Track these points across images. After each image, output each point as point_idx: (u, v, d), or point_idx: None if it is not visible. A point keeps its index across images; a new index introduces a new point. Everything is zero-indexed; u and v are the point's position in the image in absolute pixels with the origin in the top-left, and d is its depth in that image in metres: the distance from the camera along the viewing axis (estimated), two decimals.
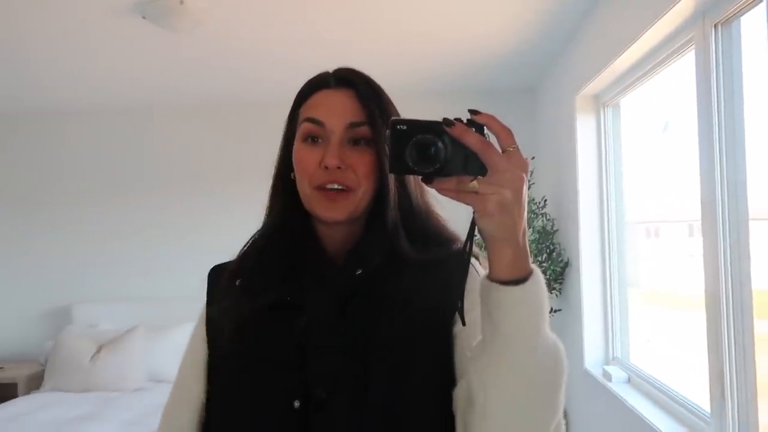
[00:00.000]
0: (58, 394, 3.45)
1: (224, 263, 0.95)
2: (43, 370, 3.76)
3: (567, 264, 3.21)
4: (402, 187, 0.86)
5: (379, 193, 0.85)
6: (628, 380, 2.58)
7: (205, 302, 0.95)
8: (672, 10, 1.85)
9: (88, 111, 4.28)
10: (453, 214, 0.91)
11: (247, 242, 0.93)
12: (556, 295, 3.30)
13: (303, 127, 0.85)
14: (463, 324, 0.73)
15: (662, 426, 2.02)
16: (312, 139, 0.84)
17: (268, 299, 0.84)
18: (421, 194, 0.89)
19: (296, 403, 0.78)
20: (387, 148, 0.66)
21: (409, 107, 0.90)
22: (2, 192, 4.35)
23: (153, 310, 4.04)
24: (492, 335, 0.68)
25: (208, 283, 0.96)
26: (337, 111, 0.83)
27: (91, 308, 4.12)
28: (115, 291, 4.24)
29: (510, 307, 0.66)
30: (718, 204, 1.76)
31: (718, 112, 1.78)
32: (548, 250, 3.27)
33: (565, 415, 0.75)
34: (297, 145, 0.85)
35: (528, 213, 0.75)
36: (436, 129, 0.64)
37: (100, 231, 4.29)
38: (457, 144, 0.64)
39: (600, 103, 2.91)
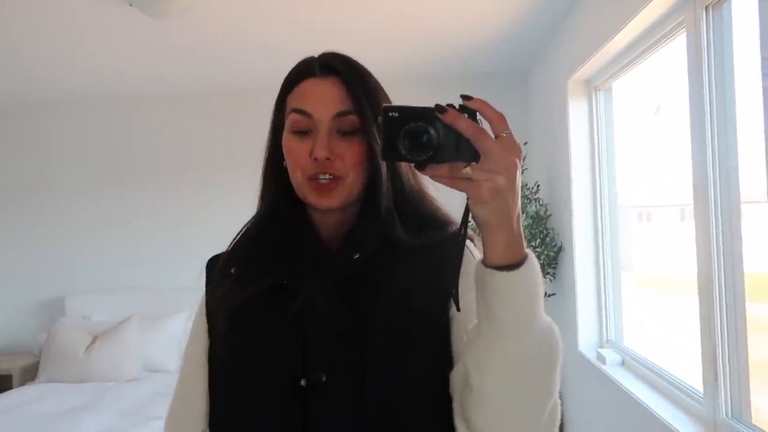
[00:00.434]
0: (53, 386, 3.45)
1: (220, 253, 0.95)
2: (38, 362, 3.76)
3: (560, 248, 3.22)
4: (394, 171, 0.86)
5: (372, 180, 0.85)
6: (622, 363, 2.60)
7: (204, 292, 0.95)
8: None
9: (77, 101, 4.24)
10: (447, 200, 0.91)
11: (241, 230, 0.93)
12: (550, 280, 3.32)
13: (291, 118, 0.84)
14: (458, 310, 0.74)
15: (656, 407, 2.04)
16: (301, 130, 0.83)
17: (264, 285, 0.85)
18: (414, 178, 0.89)
19: (303, 382, 0.79)
20: (379, 135, 0.67)
21: (399, 92, 0.90)
22: None
23: (146, 301, 4.03)
24: (487, 320, 0.68)
25: (207, 274, 0.96)
26: (323, 101, 0.83)
27: (84, 299, 4.11)
28: (107, 282, 4.23)
29: (505, 292, 0.66)
30: (710, 187, 1.76)
31: (709, 94, 1.77)
32: (542, 235, 3.28)
33: (560, 398, 0.76)
34: (286, 136, 0.85)
35: (521, 198, 0.75)
36: (428, 115, 0.64)
37: (92, 222, 4.27)
38: (450, 130, 0.63)
39: (592, 87, 2.90)
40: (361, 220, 0.87)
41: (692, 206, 1.86)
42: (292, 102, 0.85)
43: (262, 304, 0.85)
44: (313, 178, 0.82)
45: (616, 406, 2.44)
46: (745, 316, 1.67)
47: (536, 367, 0.69)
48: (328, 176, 0.82)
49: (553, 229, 3.33)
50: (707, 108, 1.78)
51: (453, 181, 0.64)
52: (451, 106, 0.64)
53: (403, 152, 0.64)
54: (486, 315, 0.68)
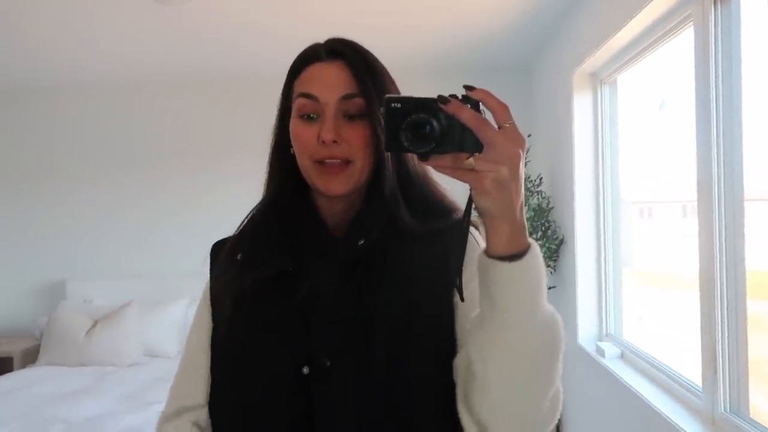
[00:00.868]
0: (53, 369, 3.46)
1: (225, 238, 0.96)
2: (39, 345, 3.77)
3: (562, 241, 3.22)
4: (399, 156, 0.86)
5: (377, 165, 0.85)
6: (621, 356, 2.61)
7: (208, 278, 0.96)
8: None
9: (80, 86, 4.22)
10: (449, 189, 0.91)
11: (247, 216, 0.94)
12: (551, 272, 3.32)
13: (298, 103, 0.84)
14: (462, 300, 0.74)
15: (654, 400, 2.04)
16: (308, 115, 0.83)
17: (270, 271, 0.85)
18: (419, 164, 0.89)
19: (305, 369, 0.80)
20: (382, 124, 0.66)
21: (403, 83, 0.89)
22: None
23: (147, 286, 4.04)
24: (490, 310, 0.68)
25: (210, 259, 0.97)
26: (329, 84, 0.83)
27: (85, 284, 4.12)
28: (109, 267, 4.23)
29: (508, 283, 0.66)
30: (714, 184, 1.75)
31: (716, 90, 1.76)
32: (543, 228, 3.28)
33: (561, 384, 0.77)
34: (294, 122, 0.85)
35: (524, 190, 0.75)
36: (431, 106, 0.64)
37: (94, 207, 4.26)
38: (453, 121, 0.63)
39: (597, 80, 2.89)
40: (366, 205, 0.87)
41: (694, 203, 1.86)
42: (298, 87, 0.85)
43: (267, 290, 0.85)
44: (320, 162, 0.82)
45: (614, 399, 2.45)
46: (745, 313, 1.67)
47: (539, 357, 0.69)
48: (336, 160, 0.82)
49: (555, 221, 3.32)
50: (713, 104, 1.76)
51: (456, 172, 0.64)
52: (453, 96, 0.64)
53: (405, 144, 0.64)
54: (489, 305, 0.68)
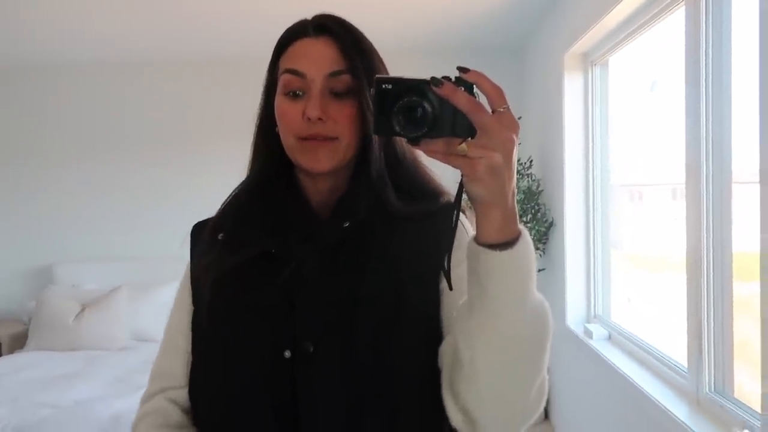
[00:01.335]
0: (42, 354, 3.44)
1: (206, 219, 0.94)
2: (27, 330, 3.75)
3: (551, 224, 3.23)
4: (388, 138, 0.84)
5: (364, 144, 0.83)
6: (609, 337, 2.63)
7: (189, 259, 0.94)
8: None
9: (69, 67, 4.15)
10: (438, 172, 0.89)
11: (229, 196, 0.91)
12: (540, 255, 3.33)
13: (283, 79, 0.82)
14: (450, 289, 0.73)
15: (641, 381, 2.07)
16: (294, 92, 0.81)
17: (252, 251, 0.83)
18: (408, 145, 0.88)
19: (287, 353, 0.78)
20: (371, 106, 0.64)
21: (392, 64, 0.87)
22: None
23: (136, 270, 4.02)
24: (479, 298, 0.67)
25: (191, 240, 0.95)
26: (316, 60, 0.81)
27: (73, 268, 4.09)
28: (97, 250, 4.20)
29: (498, 271, 0.65)
30: (702, 166, 1.76)
31: (705, 72, 1.76)
32: (533, 211, 3.29)
33: (548, 371, 0.77)
34: (279, 99, 0.83)
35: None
36: (423, 89, 0.62)
37: (83, 189, 4.22)
38: (446, 104, 0.61)
39: (588, 61, 2.87)
40: (352, 186, 0.85)
41: (683, 185, 1.86)
42: (284, 63, 0.83)
43: (249, 271, 0.83)
44: (305, 140, 0.81)
45: (602, 380, 2.47)
46: (732, 295, 1.69)
47: (527, 346, 0.69)
48: (321, 138, 0.80)
49: (544, 204, 3.33)
50: (703, 85, 1.76)
51: (448, 158, 0.62)
52: (446, 78, 0.62)
53: (396, 128, 0.62)
54: (478, 293, 0.67)
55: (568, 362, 2.97)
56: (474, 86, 0.62)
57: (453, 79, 0.62)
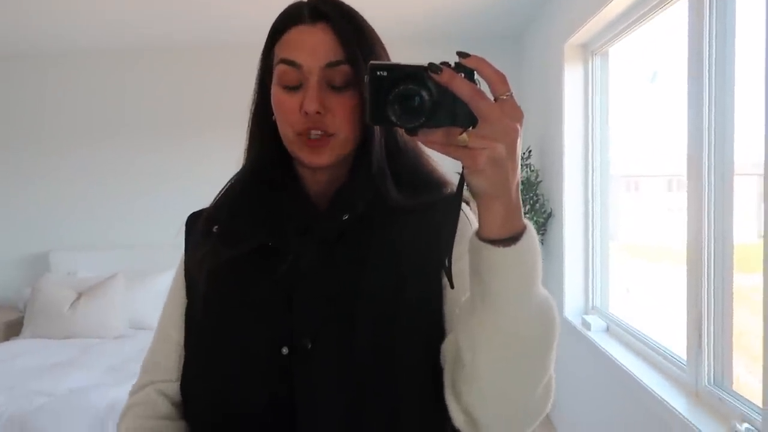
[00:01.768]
0: (38, 341, 3.43)
1: (201, 210, 0.91)
2: (22, 317, 3.73)
3: (550, 215, 3.21)
4: (387, 128, 0.81)
5: (364, 135, 0.80)
6: (607, 329, 2.63)
7: (184, 251, 0.91)
8: None
9: (66, 53, 4.10)
10: (440, 161, 0.87)
11: (225, 186, 0.88)
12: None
13: (279, 69, 0.78)
14: (452, 287, 0.70)
15: (639, 373, 2.06)
16: (290, 85, 0.77)
17: (248, 246, 0.80)
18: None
19: (284, 350, 0.76)
20: (366, 94, 0.60)
21: (389, 53, 0.84)
22: None
23: (132, 258, 4.00)
24: (481, 296, 0.64)
25: (186, 231, 0.92)
26: (313, 50, 0.76)
27: (69, 255, 4.07)
28: (93, 238, 4.17)
29: (501, 268, 0.61)
30: (704, 158, 1.74)
31: (708, 61, 1.74)
32: (531, 201, 3.27)
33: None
34: (275, 90, 0.79)
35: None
36: (421, 76, 0.58)
37: (79, 177, 4.18)
38: (445, 92, 0.57)
39: (588, 51, 2.85)
40: (351, 178, 0.82)
41: (680, 177, 1.84)
42: (279, 51, 0.79)
43: (245, 265, 0.81)
44: (303, 134, 0.77)
45: (600, 372, 2.47)
46: (732, 287, 1.68)
47: (532, 344, 0.65)
48: (319, 132, 0.77)
49: (543, 195, 3.31)
50: (705, 77, 1.74)
51: (448, 149, 0.58)
52: (446, 64, 0.58)
53: (392, 118, 0.58)
54: (480, 291, 0.64)
55: (566, 354, 2.97)
56: (475, 72, 0.59)
57: (452, 65, 0.59)
